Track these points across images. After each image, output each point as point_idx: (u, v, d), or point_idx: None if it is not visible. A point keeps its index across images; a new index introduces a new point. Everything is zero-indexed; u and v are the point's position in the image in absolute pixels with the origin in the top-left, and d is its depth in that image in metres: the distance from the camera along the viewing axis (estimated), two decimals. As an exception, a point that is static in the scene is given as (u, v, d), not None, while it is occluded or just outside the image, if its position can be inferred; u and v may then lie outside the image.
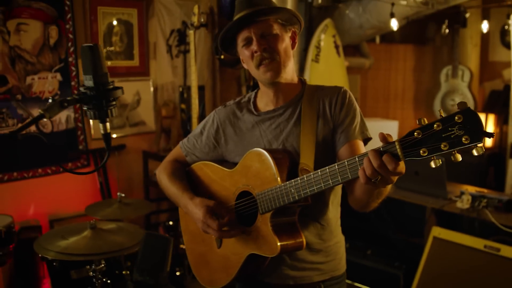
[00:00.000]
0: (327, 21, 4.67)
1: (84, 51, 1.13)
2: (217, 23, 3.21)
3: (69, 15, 4.14)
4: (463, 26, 5.12)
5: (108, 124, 1.19)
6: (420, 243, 3.24)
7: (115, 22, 4.40)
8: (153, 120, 4.67)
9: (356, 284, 3.18)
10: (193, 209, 1.64)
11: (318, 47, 4.65)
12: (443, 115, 1.11)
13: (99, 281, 2.39)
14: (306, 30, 4.72)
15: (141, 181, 4.58)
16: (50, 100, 1.08)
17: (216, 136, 1.77)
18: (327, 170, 1.35)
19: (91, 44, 1.12)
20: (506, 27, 4.81)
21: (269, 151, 1.54)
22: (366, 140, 1.63)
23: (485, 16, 5.14)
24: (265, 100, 1.71)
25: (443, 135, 1.10)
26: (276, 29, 1.59)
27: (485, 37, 5.42)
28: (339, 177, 1.32)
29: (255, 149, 1.58)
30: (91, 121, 4.30)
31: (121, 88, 1.16)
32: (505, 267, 2.47)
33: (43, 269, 3.39)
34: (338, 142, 1.59)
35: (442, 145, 1.10)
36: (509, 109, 4.83)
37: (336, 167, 1.32)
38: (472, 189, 3.19)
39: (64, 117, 4.20)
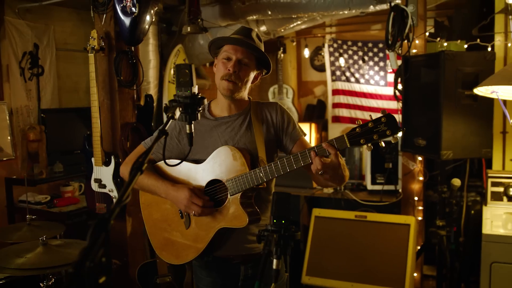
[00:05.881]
0: (179, 46, 5.18)
1: (182, 69, 1.47)
2: (115, 47, 3.43)
3: None
4: (284, 53, 6.20)
5: (192, 126, 1.54)
6: (297, 226, 4.00)
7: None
8: (10, 146, 4.45)
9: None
10: (175, 193, 1.99)
11: (173, 70, 5.12)
12: (373, 118, 1.71)
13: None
14: (160, 54, 5.14)
15: (4, 209, 4.31)
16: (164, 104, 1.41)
17: (179, 137, 2.13)
18: (291, 157, 1.82)
19: (189, 64, 1.47)
20: (321, 53, 6.04)
21: (236, 147, 1.98)
22: (304, 135, 2.19)
23: (298, 45, 6.33)
24: (220, 108, 2.13)
25: (374, 130, 1.69)
26: (250, 63, 2.02)
27: (299, 62, 6.64)
28: (293, 164, 1.81)
29: (225, 146, 2.00)
30: None
31: (205, 98, 1.53)
32: (372, 228, 3.36)
33: None
34: (289, 143, 2.11)
35: (374, 136, 1.69)
36: (325, 118, 6.08)
37: (292, 157, 1.81)
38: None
39: None
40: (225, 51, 2.02)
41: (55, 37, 4.90)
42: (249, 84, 2.09)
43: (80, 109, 4.94)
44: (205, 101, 1.55)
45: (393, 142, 1.72)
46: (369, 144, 1.71)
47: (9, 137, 4.46)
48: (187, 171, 2.06)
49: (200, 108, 1.55)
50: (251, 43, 2.01)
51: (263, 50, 2.08)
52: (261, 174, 1.88)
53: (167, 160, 1.68)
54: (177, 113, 1.44)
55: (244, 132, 2.07)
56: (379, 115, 1.71)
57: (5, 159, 4.39)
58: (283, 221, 1.36)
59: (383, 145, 1.75)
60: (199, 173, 2.03)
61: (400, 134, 1.73)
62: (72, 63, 5.07)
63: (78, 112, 4.89)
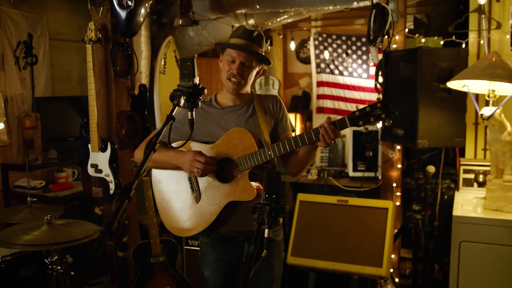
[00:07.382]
0: (169, 38, 5.33)
1: (185, 62, 1.67)
2: (111, 38, 3.59)
3: None
4: (270, 45, 6.40)
5: (194, 113, 1.74)
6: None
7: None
8: (5, 133, 4.59)
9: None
10: (184, 157, 2.19)
11: (164, 61, 5.28)
12: (369, 103, 1.97)
13: (54, 274, 2.65)
14: (151, 45, 5.30)
15: (0, 194, 4.46)
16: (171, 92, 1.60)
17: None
18: (297, 137, 2.07)
19: (191, 57, 1.67)
20: (307, 45, 6.25)
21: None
22: (293, 131, 2.46)
23: (284, 38, 6.53)
24: (226, 99, 2.39)
25: (371, 113, 1.94)
26: (253, 64, 2.29)
27: (285, 54, 6.84)
28: (306, 140, 2.05)
29: (235, 128, 2.24)
30: None
31: (205, 88, 1.72)
32: (352, 212, 3.60)
33: None
34: (280, 131, 2.39)
35: (371, 119, 1.94)
36: (310, 109, 6.31)
37: (305, 134, 2.05)
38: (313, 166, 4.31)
39: None
40: (229, 54, 2.26)
41: (48, 27, 5.01)
42: (252, 80, 2.35)
43: (72, 98, 5.09)
44: (205, 91, 1.76)
45: (386, 125, 1.94)
46: (366, 126, 1.94)
47: (4, 124, 4.60)
48: (201, 149, 2.25)
49: (201, 97, 1.75)
50: (252, 50, 2.24)
51: (264, 46, 2.33)
52: (269, 152, 2.10)
53: (172, 144, 1.88)
54: (182, 101, 1.64)
55: (249, 119, 2.32)
56: (364, 106, 1.95)
57: (0, 145, 4.53)
58: (273, 196, 1.57)
59: (378, 127, 1.99)
60: (210, 153, 2.23)
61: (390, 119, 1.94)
62: (65, 53, 5.19)
63: (71, 100, 5.04)
